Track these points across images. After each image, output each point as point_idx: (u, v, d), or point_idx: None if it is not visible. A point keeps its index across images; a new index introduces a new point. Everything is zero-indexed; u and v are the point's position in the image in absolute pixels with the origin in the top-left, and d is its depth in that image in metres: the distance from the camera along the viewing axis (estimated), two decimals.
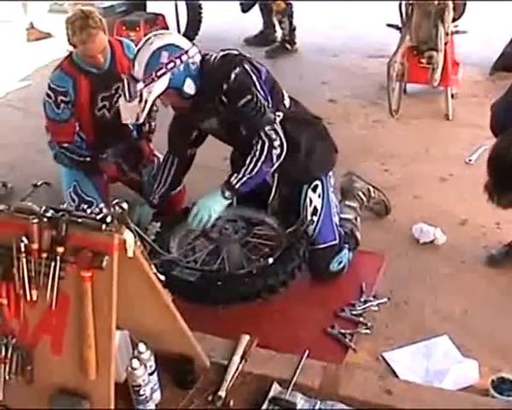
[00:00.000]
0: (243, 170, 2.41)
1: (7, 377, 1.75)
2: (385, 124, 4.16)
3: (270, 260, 2.46)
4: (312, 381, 1.99)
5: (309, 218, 2.67)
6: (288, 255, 2.50)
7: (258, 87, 2.46)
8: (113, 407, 1.66)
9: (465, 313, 2.57)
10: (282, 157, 2.46)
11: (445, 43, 3.97)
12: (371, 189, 3.08)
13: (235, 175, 2.43)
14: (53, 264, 1.62)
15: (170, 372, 1.99)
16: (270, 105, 2.49)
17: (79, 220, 1.62)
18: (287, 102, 2.66)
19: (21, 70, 5.59)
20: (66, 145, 3.10)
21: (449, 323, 2.51)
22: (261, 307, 2.52)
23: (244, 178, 2.41)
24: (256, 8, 5.56)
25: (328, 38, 5.70)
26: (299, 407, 1.90)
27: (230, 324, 2.40)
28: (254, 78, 2.47)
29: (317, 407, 1.90)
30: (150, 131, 3.28)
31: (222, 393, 1.93)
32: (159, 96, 2.44)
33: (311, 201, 2.69)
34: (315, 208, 2.68)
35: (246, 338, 2.14)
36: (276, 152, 2.42)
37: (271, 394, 1.93)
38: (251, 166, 2.41)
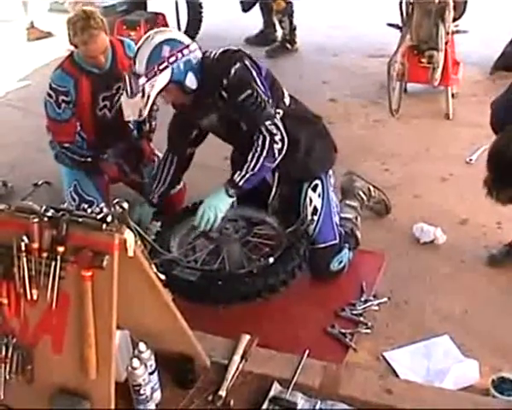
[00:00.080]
0: (246, 167, 2.41)
1: (7, 377, 1.75)
2: (385, 123, 4.16)
3: (271, 260, 2.46)
4: (313, 380, 1.99)
5: (309, 217, 2.66)
6: (289, 255, 2.50)
7: (259, 82, 2.46)
8: (113, 406, 1.66)
9: (465, 313, 2.57)
10: (284, 152, 2.46)
11: (446, 43, 3.97)
12: (371, 188, 3.08)
13: (239, 172, 2.43)
14: (53, 263, 1.62)
15: (170, 372, 1.99)
16: (271, 101, 2.48)
17: (80, 220, 1.62)
18: (287, 99, 2.66)
19: (21, 69, 5.58)
20: (67, 145, 3.10)
21: (449, 322, 2.51)
22: (261, 307, 2.52)
23: (247, 175, 2.41)
24: (256, 7, 5.55)
25: (329, 38, 5.68)
26: (299, 406, 1.90)
27: (231, 323, 2.40)
28: (254, 73, 2.47)
29: (317, 406, 1.90)
30: (151, 131, 3.28)
31: (222, 392, 1.93)
32: (161, 91, 2.44)
33: (311, 200, 2.68)
34: (315, 208, 2.68)
35: (246, 338, 2.14)
36: (277, 147, 2.42)
37: (272, 393, 1.93)
38: (253, 163, 2.41)
